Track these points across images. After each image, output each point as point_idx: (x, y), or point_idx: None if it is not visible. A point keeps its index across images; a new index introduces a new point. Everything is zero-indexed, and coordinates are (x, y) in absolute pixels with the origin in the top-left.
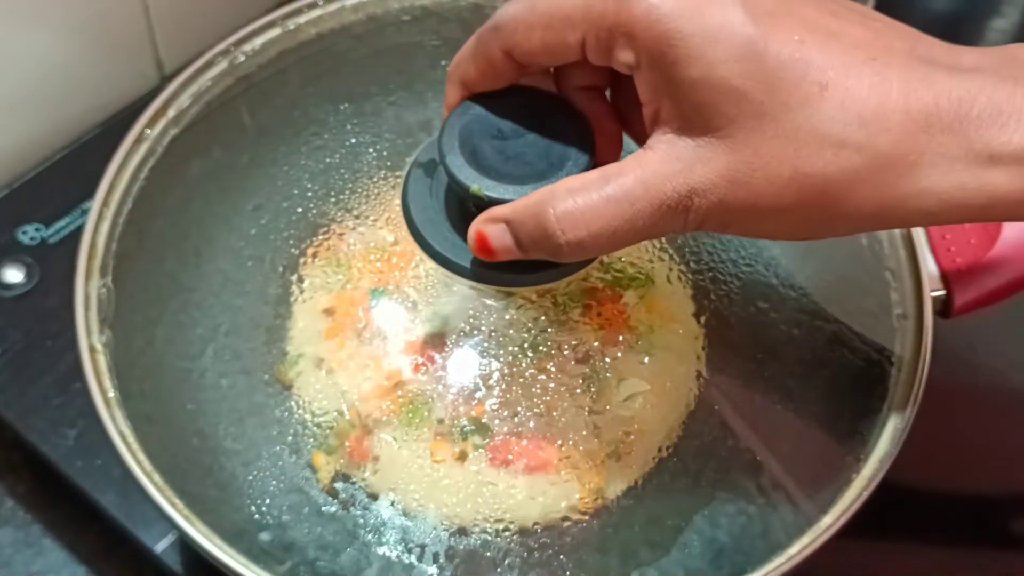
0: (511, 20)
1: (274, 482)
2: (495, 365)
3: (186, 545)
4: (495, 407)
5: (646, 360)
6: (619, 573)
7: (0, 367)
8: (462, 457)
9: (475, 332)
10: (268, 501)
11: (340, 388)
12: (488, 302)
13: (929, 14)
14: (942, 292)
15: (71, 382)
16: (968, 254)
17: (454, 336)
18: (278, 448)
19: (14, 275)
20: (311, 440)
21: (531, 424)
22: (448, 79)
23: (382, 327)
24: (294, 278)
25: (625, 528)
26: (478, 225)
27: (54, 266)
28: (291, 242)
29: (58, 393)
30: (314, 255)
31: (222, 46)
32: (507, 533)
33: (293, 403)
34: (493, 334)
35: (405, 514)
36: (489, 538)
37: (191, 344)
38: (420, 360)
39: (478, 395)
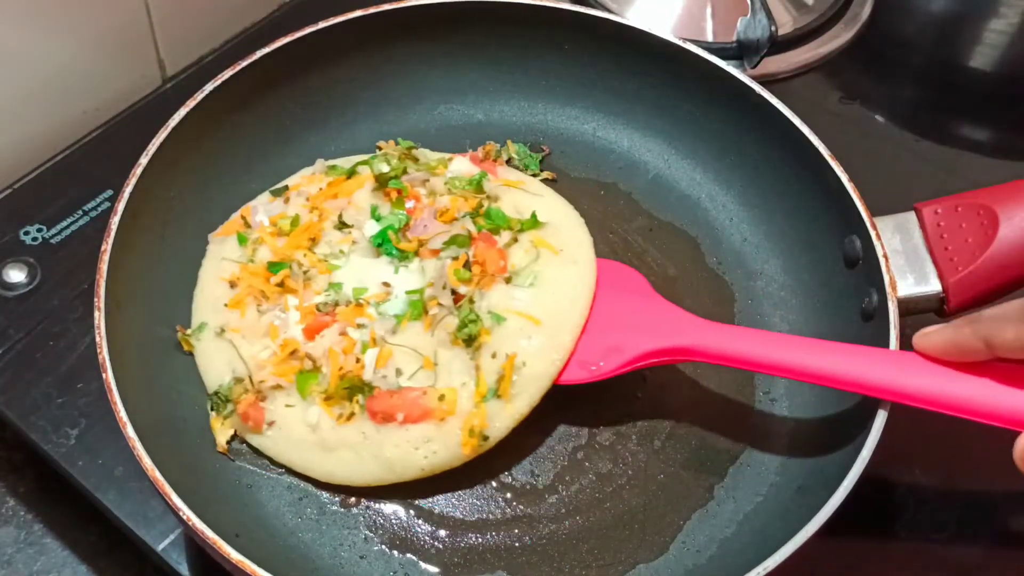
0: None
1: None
2: (380, 324)
3: (191, 542)
4: (375, 364)
5: (526, 295)
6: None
7: (2, 367)
8: (349, 417)
9: (365, 297)
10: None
11: (239, 355)
12: (378, 269)
13: (928, 15)
14: (939, 291)
15: (73, 382)
16: (964, 253)
17: (344, 303)
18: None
19: (16, 275)
20: (209, 405)
21: (412, 376)
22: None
23: (280, 298)
24: (204, 249)
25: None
26: None
27: (56, 266)
28: (210, 216)
29: (60, 393)
30: (224, 228)
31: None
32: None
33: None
34: (382, 296)
35: (300, 476)
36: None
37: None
38: (313, 327)
39: (361, 355)
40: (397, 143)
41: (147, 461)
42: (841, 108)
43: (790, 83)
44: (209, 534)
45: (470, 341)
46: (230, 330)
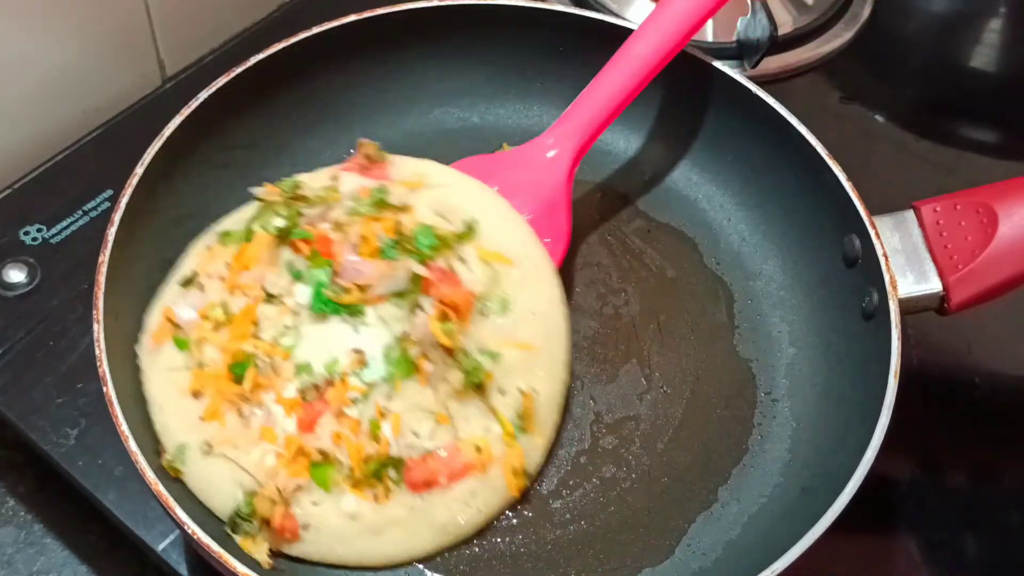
0: None
1: None
2: (377, 394)
3: (190, 546)
4: (394, 436)
5: (506, 321)
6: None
7: (2, 367)
8: (387, 495)
9: (341, 370)
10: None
11: (242, 469)
12: (336, 334)
13: (928, 15)
14: (939, 289)
15: (73, 382)
16: (964, 251)
17: (323, 383)
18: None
19: (16, 275)
20: (229, 529)
21: (432, 436)
22: None
23: (256, 397)
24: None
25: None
26: None
27: (56, 266)
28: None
29: (60, 393)
30: (154, 337)
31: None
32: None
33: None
34: (359, 363)
35: (354, 568)
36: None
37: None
38: (307, 420)
39: (375, 432)
40: (275, 184)
41: (150, 476)
42: (841, 108)
43: (790, 83)
44: (215, 548)
45: (480, 387)
46: (219, 444)
